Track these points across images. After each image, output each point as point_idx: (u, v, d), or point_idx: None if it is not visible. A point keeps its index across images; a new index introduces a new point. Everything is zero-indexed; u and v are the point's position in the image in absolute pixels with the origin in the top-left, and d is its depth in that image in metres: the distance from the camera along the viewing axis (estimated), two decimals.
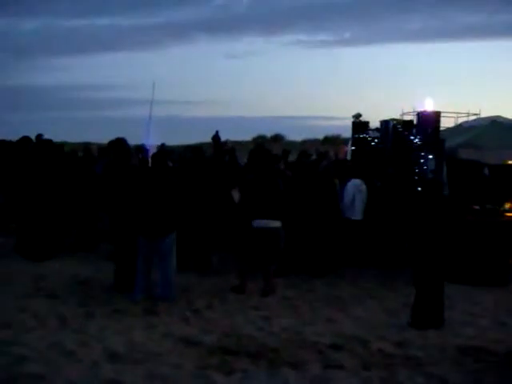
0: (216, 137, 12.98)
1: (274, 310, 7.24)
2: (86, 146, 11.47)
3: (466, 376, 5.35)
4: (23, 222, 9.95)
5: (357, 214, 9.54)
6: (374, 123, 12.15)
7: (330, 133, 41.06)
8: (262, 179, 7.96)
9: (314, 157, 11.75)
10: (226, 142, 12.64)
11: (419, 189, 9.29)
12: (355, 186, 9.59)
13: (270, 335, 6.28)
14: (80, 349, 5.69)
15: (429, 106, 10.76)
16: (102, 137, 12.69)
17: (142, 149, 9.48)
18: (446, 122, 14.31)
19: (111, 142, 8.48)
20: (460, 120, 17.22)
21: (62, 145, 12.87)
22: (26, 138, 11.66)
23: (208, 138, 13.64)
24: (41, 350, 5.61)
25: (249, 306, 7.41)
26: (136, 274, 7.46)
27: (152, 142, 14.19)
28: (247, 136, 37.31)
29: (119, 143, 8.24)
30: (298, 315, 7.10)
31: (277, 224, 7.85)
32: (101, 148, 12.69)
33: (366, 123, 12.14)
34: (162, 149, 12.25)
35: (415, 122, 11.24)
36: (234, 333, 6.30)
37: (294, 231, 8.63)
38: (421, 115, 10.67)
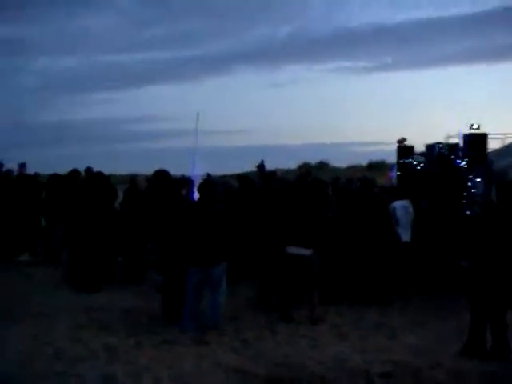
0: (261, 165, 13.03)
1: (324, 339, 7.17)
2: (132, 178, 11.64)
3: None
4: (74, 253, 10.16)
5: (405, 236, 9.39)
6: (419, 147, 12.01)
7: (375, 158, 40.85)
8: (299, 206, 8.00)
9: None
10: (275, 172, 12.64)
11: (468, 212, 9.11)
12: (403, 208, 9.47)
13: (320, 364, 6.21)
14: (131, 380, 5.73)
15: (475, 128, 10.60)
16: (147, 168, 12.83)
17: (186, 179, 9.58)
18: (493, 144, 14.05)
19: (155, 174, 8.61)
20: (507, 141, 16.88)
21: (108, 177, 13.15)
22: (75, 171, 11.97)
23: (253, 167, 13.72)
24: (93, 382, 5.67)
25: (298, 334, 7.36)
26: (186, 304, 7.50)
27: (197, 172, 14.35)
28: (292, 164, 37.45)
29: (163, 174, 8.38)
30: (347, 343, 7.01)
31: (307, 252, 7.84)
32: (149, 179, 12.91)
33: (411, 148, 12.00)
34: (208, 178, 12.35)
35: (461, 145, 11.08)
36: (284, 362, 6.26)
37: (346, 258, 8.59)
38: (467, 138, 10.53)
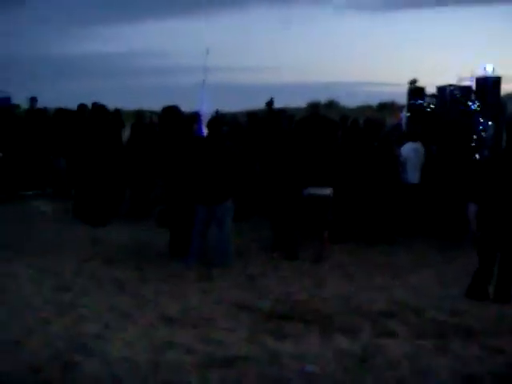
0: (270, 103, 12.87)
1: (328, 277, 7.24)
2: (139, 113, 11.56)
3: None
4: (81, 187, 10.21)
5: (413, 178, 9.37)
6: (431, 89, 11.83)
7: (385, 99, 40.30)
8: (313, 146, 7.93)
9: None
10: (284, 110, 12.48)
11: (477, 156, 9.03)
12: (413, 149, 9.40)
13: (324, 301, 6.28)
14: (136, 312, 5.83)
15: (489, 71, 10.39)
16: (156, 104, 12.71)
17: (196, 116, 9.47)
18: (507, 87, 13.77)
19: (165, 110, 8.53)
20: None
21: (118, 111, 13.05)
22: (82, 106, 11.87)
23: (262, 105, 13.55)
24: (99, 312, 5.78)
25: (302, 272, 7.43)
26: (192, 240, 7.56)
27: (206, 108, 14.20)
28: (301, 102, 37.05)
29: (173, 111, 8.30)
30: (351, 282, 7.08)
31: (327, 192, 7.82)
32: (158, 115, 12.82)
33: (422, 89, 11.82)
34: (217, 115, 12.24)
35: (474, 88, 10.89)
36: (288, 299, 6.34)
37: (352, 198, 8.59)
38: (480, 80, 10.33)
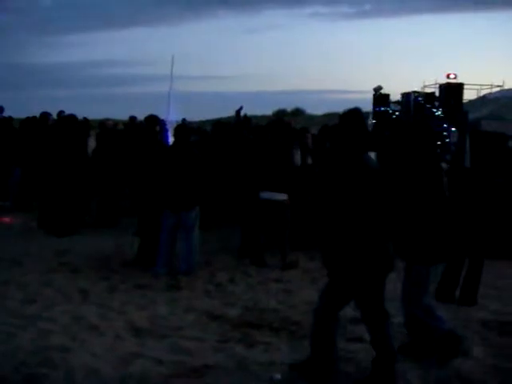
0: (238, 111, 12.90)
1: (296, 283, 7.25)
2: (101, 122, 11.48)
3: (489, 349, 5.31)
4: (45, 197, 10.06)
5: None
6: (395, 96, 12.00)
7: (351, 106, 40.68)
8: (274, 152, 7.94)
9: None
10: (249, 118, 12.49)
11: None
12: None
13: (292, 308, 6.29)
14: (103, 323, 5.75)
15: (451, 78, 10.58)
16: (122, 113, 12.64)
17: (155, 118, 9.37)
18: (468, 94, 14.02)
19: (148, 119, 8.49)
20: (483, 92, 16.89)
21: (86, 119, 12.91)
22: (45, 114, 11.70)
23: (228, 113, 13.57)
24: (65, 324, 5.69)
25: (271, 279, 7.43)
26: (159, 248, 7.51)
27: (173, 117, 14.16)
28: (268, 110, 37.22)
29: (154, 120, 8.30)
30: (319, 288, 7.07)
31: (282, 197, 7.83)
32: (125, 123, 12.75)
33: (387, 96, 12.00)
34: (184, 123, 12.21)
35: (437, 95, 11.08)
36: (257, 306, 6.33)
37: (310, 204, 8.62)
38: (443, 87, 10.52)
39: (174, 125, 11.35)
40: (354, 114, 4.51)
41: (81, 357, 4.90)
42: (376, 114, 11.82)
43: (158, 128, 8.32)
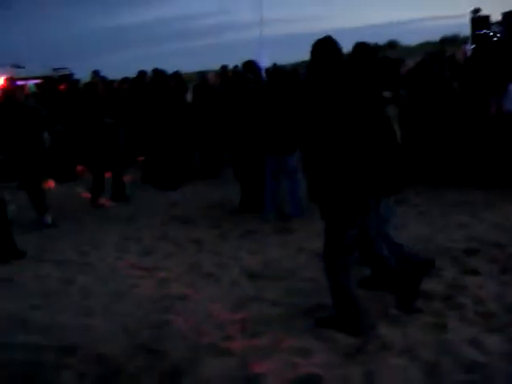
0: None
1: (405, 219, 7.11)
2: (202, 74, 11.52)
3: None
4: (148, 154, 10.37)
5: None
6: (496, 17, 11.31)
7: (448, 32, 38.84)
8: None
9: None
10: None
11: None
12: None
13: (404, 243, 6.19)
14: (218, 270, 5.94)
15: None
16: (215, 64, 12.64)
17: (254, 66, 9.24)
18: None
19: (246, 64, 8.50)
20: None
21: (178, 73, 12.97)
22: (142, 73, 11.92)
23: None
24: (181, 273, 5.93)
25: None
26: (265, 193, 7.58)
27: (264, 63, 14.05)
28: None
29: (251, 65, 8.30)
30: (429, 222, 6.95)
31: None
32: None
33: (487, 17, 11.31)
34: (277, 68, 12.07)
35: None
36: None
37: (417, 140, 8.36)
38: None
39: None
40: (323, 44, 4.18)
41: (200, 303, 5.09)
42: (475, 37, 11.18)
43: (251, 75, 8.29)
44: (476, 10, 11.36)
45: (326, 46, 4.13)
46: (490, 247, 5.91)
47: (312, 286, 5.24)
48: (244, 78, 8.20)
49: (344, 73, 4.15)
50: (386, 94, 5.61)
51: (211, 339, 4.42)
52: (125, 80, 12.96)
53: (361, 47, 4.98)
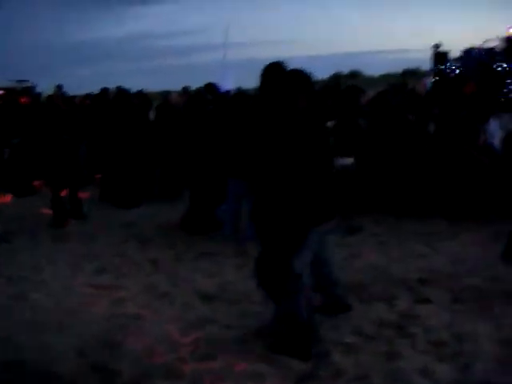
0: None
1: (362, 248, 7.21)
2: (165, 95, 11.56)
3: None
4: (108, 171, 10.28)
5: None
6: (455, 53, 11.65)
7: (410, 66, 39.80)
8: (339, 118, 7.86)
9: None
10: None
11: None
12: None
13: (359, 272, 6.27)
14: (173, 290, 5.90)
15: None
16: (178, 84, 12.67)
17: (214, 88, 9.26)
18: None
19: (207, 86, 8.53)
20: None
21: (141, 92, 12.98)
22: (104, 90, 11.88)
23: None
24: (137, 293, 5.86)
25: (337, 243, 7.39)
26: (227, 216, 7.55)
27: (228, 86, 14.12)
28: (324, 74, 36.68)
29: (211, 87, 8.33)
30: (386, 252, 7.03)
31: (350, 161, 7.74)
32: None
33: (446, 53, 11.64)
34: (239, 91, 12.17)
35: (499, 49, 10.66)
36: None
37: (379, 169, 8.50)
38: (507, 40, 10.11)
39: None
40: (269, 70, 4.18)
41: (153, 323, 5.06)
42: (436, 72, 11.49)
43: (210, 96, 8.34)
44: (437, 46, 11.68)
45: (272, 71, 4.13)
46: (445, 277, 6.01)
47: (267, 309, 5.24)
48: (202, 99, 8.24)
49: (286, 100, 4.15)
50: (329, 123, 5.63)
51: (164, 360, 4.40)
52: (87, 96, 12.91)
53: (294, 74, 4.59)
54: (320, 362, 4.28)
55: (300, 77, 4.41)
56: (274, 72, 4.09)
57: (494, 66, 9.90)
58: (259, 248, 4.54)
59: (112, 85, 12.06)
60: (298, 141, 4.11)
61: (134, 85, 11.15)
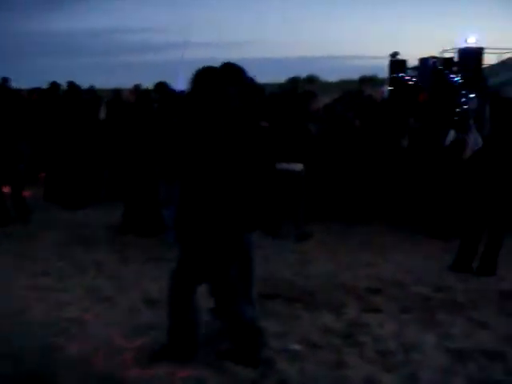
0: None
1: (311, 255, 7.17)
2: (116, 91, 11.32)
3: (508, 320, 5.23)
4: (53, 171, 9.97)
5: None
6: (413, 62, 11.75)
7: (367, 73, 40.29)
8: (290, 123, 7.80)
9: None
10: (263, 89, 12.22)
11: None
12: None
13: (308, 279, 6.23)
14: (117, 294, 5.74)
15: (471, 42, 10.32)
16: (132, 82, 12.40)
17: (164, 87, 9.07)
18: (489, 59, 13.63)
19: (156, 85, 8.38)
20: (505, 56, 16.40)
21: (93, 89, 12.67)
22: (54, 84, 11.53)
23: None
24: (79, 296, 5.68)
25: (286, 250, 7.35)
26: (170, 220, 7.40)
27: (182, 86, 13.90)
28: (281, 77, 36.76)
29: (161, 86, 8.17)
30: (335, 260, 7.02)
31: (298, 167, 7.70)
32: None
33: (404, 62, 11.73)
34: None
35: (456, 60, 10.80)
36: (272, 278, 6.26)
37: (328, 176, 8.50)
38: (462, 52, 10.25)
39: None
40: (202, 71, 4.03)
41: (95, 328, 4.89)
42: (392, 80, 11.56)
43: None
44: (394, 54, 11.76)
45: (205, 73, 4.03)
46: (393, 286, 6.04)
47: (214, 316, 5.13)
48: (147, 98, 8.10)
49: (215, 96, 3.98)
50: (264, 123, 5.44)
51: (105, 366, 4.25)
52: (35, 90, 12.52)
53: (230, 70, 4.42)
54: (265, 370, 4.19)
55: (231, 70, 4.28)
56: (206, 73, 3.99)
57: (451, 76, 10.00)
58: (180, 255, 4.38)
59: (61, 80, 11.68)
60: (225, 140, 3.96)
61: (84, 80, 10.83)
